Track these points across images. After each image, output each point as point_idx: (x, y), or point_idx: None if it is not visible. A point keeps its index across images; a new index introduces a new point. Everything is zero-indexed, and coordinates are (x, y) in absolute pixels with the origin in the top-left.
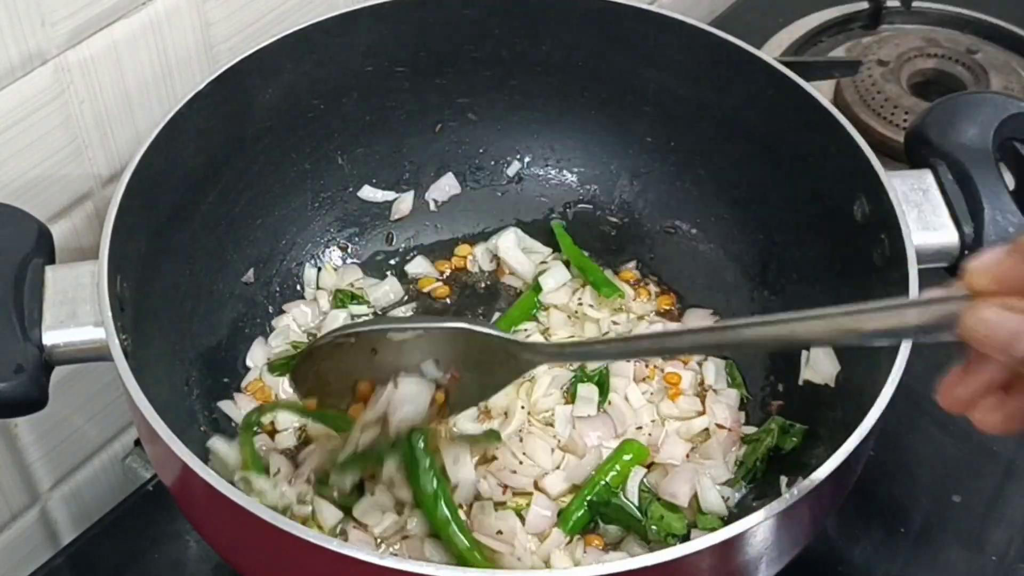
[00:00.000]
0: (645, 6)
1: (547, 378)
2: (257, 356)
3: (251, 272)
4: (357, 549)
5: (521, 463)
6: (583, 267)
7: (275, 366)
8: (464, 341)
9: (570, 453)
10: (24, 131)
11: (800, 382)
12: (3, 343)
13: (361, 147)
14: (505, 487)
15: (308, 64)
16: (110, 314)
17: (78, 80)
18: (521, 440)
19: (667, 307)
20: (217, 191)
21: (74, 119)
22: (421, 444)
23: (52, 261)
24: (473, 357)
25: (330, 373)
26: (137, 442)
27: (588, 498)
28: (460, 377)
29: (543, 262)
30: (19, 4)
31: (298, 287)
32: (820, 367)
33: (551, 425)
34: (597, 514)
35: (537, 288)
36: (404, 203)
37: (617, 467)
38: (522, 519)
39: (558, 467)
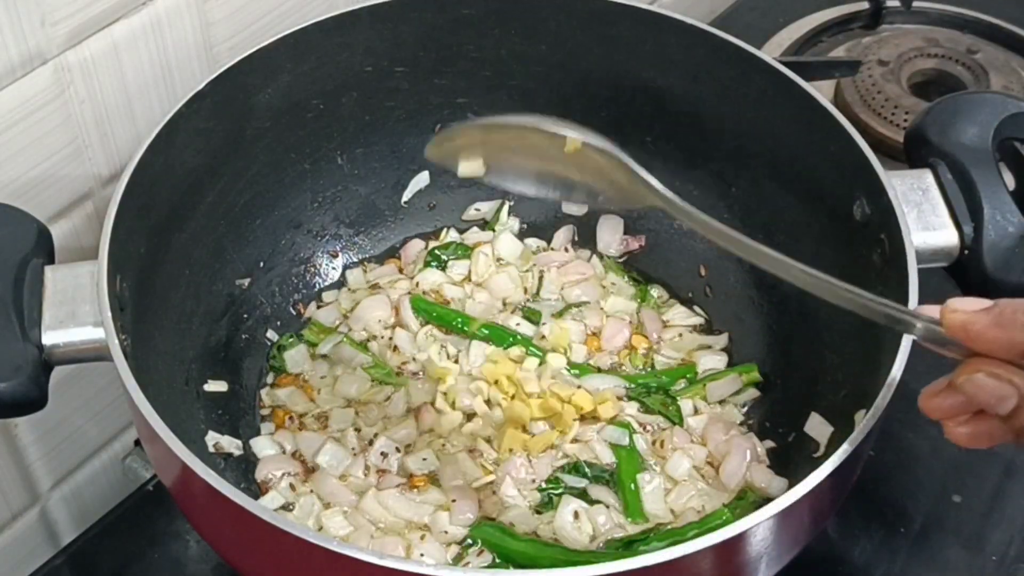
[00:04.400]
0: (645, 6)
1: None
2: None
3: (251, 272)
4: (357, 549)
5: None
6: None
7: None
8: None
9: None
10: (24, 131)
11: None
12: (3, 343)
13: (361, 147)
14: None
15: (308, 64)
16: (110, 314)
17: (78, 80)
18: None
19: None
20: (216, 191)
21: (74, 119)
22: None
23: (52, 261)
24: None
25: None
26: (137, 442)
27: None
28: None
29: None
30: (19, 4)
31: (297, 286)
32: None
33: None
34: None
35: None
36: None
37: None
38: None
39: None
